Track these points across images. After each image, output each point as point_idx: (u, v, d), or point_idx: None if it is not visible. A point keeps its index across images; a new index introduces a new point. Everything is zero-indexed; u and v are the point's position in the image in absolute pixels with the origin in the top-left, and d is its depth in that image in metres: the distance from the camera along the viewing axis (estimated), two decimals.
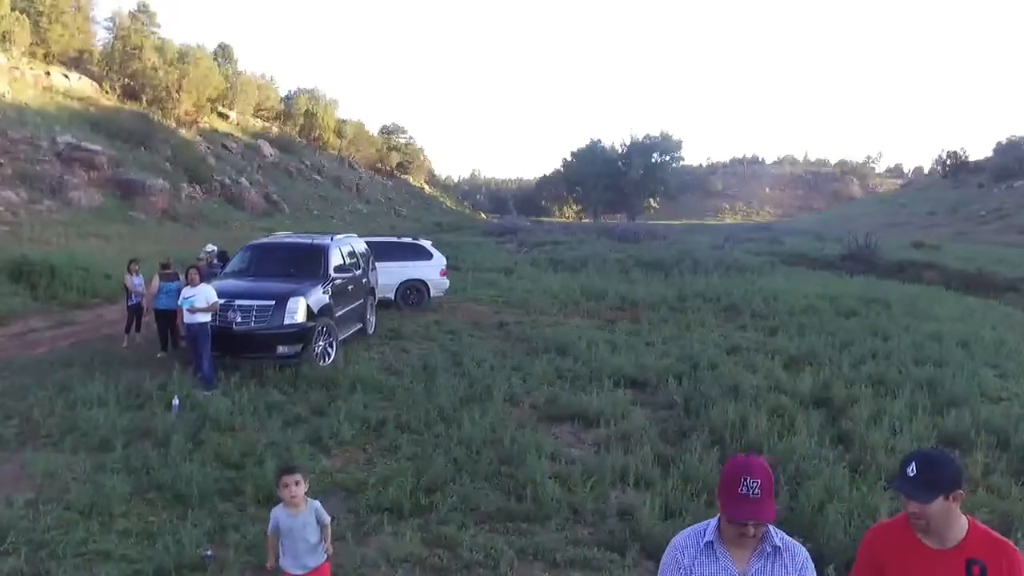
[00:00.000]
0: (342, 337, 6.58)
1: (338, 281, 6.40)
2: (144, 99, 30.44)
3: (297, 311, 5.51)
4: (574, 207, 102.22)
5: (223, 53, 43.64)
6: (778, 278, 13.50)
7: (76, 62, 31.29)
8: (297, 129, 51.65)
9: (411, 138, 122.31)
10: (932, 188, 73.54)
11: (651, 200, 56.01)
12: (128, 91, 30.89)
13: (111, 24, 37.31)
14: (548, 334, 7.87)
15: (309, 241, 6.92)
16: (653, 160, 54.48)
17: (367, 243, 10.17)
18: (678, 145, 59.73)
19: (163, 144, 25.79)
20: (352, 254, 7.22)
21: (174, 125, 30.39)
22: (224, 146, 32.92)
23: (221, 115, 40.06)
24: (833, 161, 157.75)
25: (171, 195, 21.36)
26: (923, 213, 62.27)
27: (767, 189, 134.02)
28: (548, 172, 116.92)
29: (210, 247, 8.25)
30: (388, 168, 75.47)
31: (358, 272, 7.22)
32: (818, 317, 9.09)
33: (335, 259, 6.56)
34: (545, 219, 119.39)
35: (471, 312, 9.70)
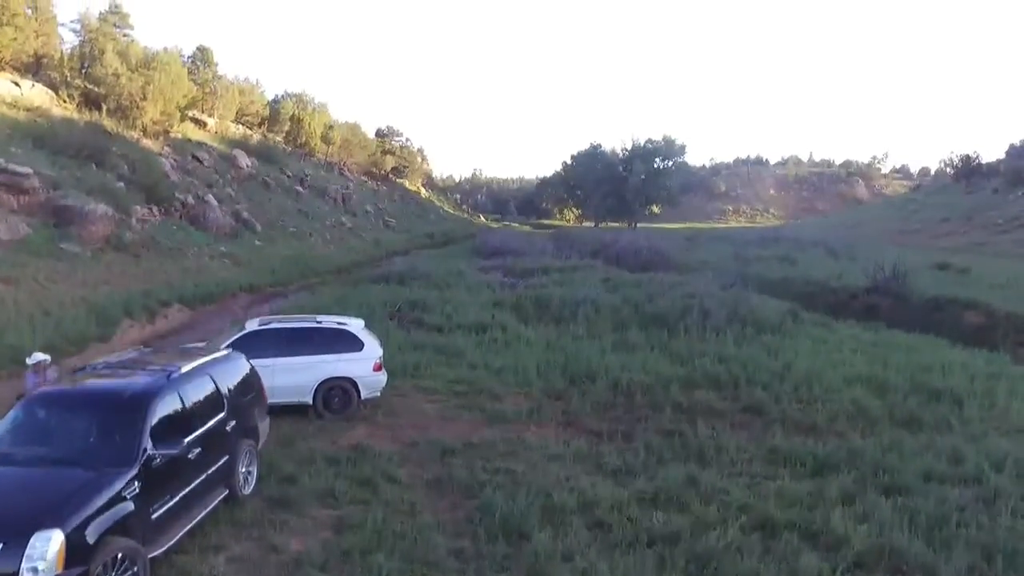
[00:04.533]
0: (188, 527, 4.33)
1: (159, 460, 4.04)
2: (105, 108, 28.21)
3: (45, 557, 3.17)
4: (575, 211, 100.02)
5: (202, 56, 41.47)
6: (805, 341, 11.20)
7: (35, 67, 29.10)
8: (283, 135, 49.48)
9: (407, 140, 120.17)
10: (944, 192, 71.18)
11: (653, 207, 53.64)
12: (89, 99, 28.66)
13: (78, 26, 35.25)
14: (506, 479, 5.63)
15: (123, 388, 4.44)
16: (655, 165, 52.09)
17: (274, 330, 7.84)
18: (681, 150, 57.33)
19: (119, 160, 23.53)
20: (211, 391, 4.88)
21: (138, 136, 28.14)
22: (195, 157, 30.67)
23: (198, 122, 37.84)
24: (838, 162, 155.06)
25: (117, 221, 19.09)
26: (936, 220, 60.02)
27: (771, 191, 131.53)
28: (548, 174, 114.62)
29: (38, 356, 5.96)
30: (383, 172, 73.43)
31: (219, 417, 4.91)
32: (873, 430, 6.84)
33: (162, 417, 4.21)
34: (545, 222, 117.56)
35: (413, 421, 7.43)
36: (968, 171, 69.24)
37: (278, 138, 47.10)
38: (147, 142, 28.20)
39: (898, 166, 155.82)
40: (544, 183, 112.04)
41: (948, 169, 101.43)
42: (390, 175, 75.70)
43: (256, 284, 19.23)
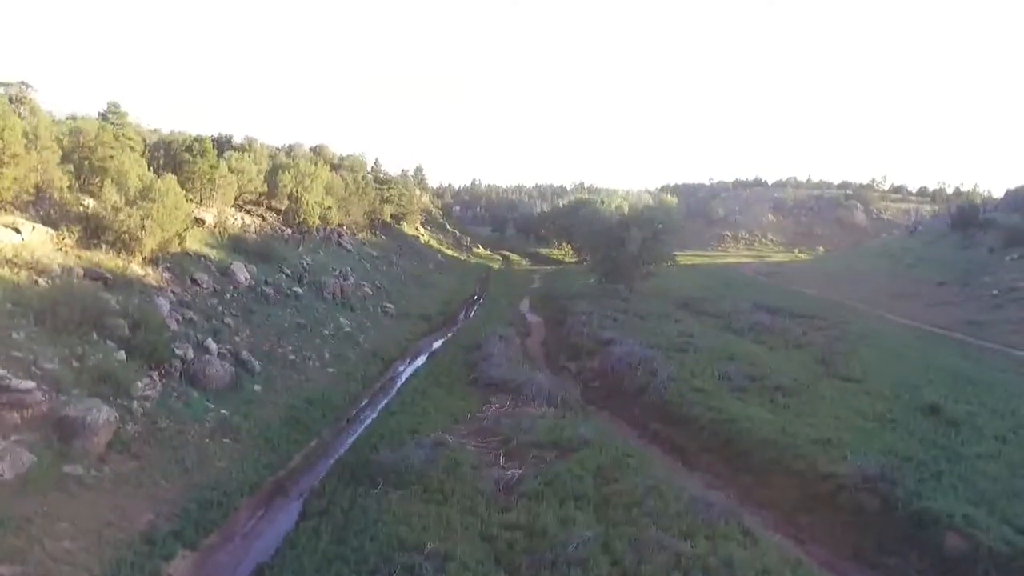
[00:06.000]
0: None
1: None
2: (105, 243, 28.59)
3: None
4: (572, 246, 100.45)
5: (199, 148, 41.80)
6: None
7: (34, 201, 29.45)
8: (282, 213, 49.92)
9: (404, 171, 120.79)
10: (942, 242, 71.69)
11: (650, 267, 54.35)
12: (89, 230, 29.00)
13: (76, 133, 35.61)
14: None
15: None
16: (656, 229, 53.01)
17: None
18: (678, 212, 58.23)
19: (119, 320, 23.83)
20: None
21: (140, 274, 28.52)
22: (194, 280, 31.03)
23: (197, 220, 38.25)
24: (836, 181, 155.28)
25: (118, 419, 19.42)
26: (932, 282, 60.56)
27: (770, 216, 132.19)
28: (547, 209, 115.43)
29: None
30: (381, 221, 74.14)
31: None
32: None
33: None
34: (543, 252, 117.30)
35: None
36: (965, 222, 69.81)
37: (275, 220, 47.48)
38: (148, 277, 28.55)
39: (896, 184, 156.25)
40: (543, 216, 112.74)
41: (947, 208, 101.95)
42: (390, 222, 76.26)
43: (256, 480, 19.58)
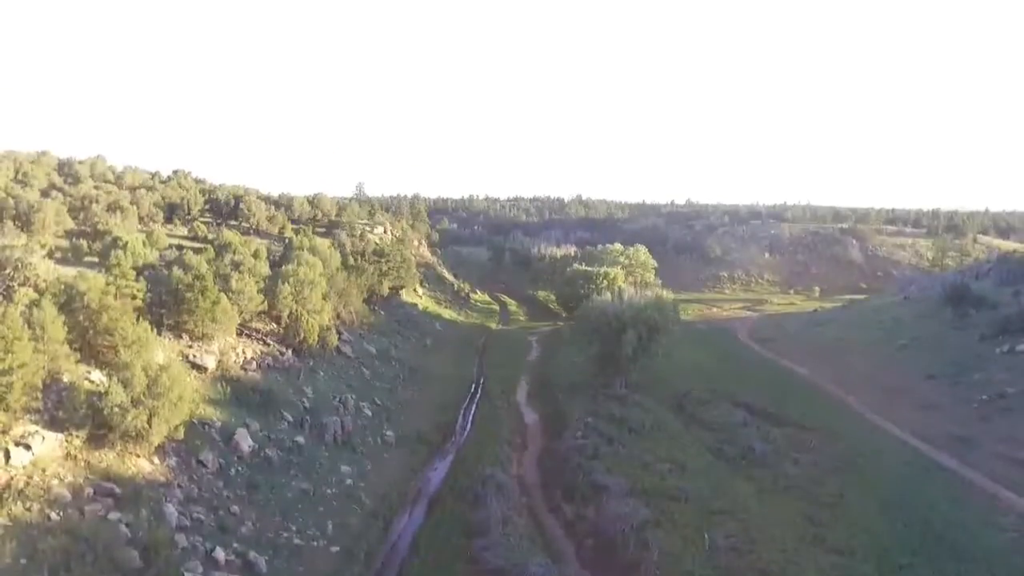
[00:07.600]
0: None
1: None
2: (110, 441, 29.43)
3: None
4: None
5: (200, 286, 42.52)
6: None
7: (42, 391, 30.13)
8: (282, 325, 50.72)
9: (400, 200, 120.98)
10: (932, 320, 72.64)
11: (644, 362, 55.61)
12: (96, 423, 29.79)
13: (80, 296, 36.24)
14: None
15: None
16: (650, 327, 54.32)
17: None
18: (674, 308, 59.44)
19: (130, 552, 24.63)
20: None
21: (145, 467, 29.41)
22: (200, 462, 31.89)
23: (197, 368, 39.18)
24: (832, 206, 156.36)
25: None
26: (922, 374, 61.46)
27: (766, 255, 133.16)
28: (546, 252, 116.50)
29: None
30: (380, 297, 75.07)
31: None
32: None
33: None
34: (540, 294, 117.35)
35: None
36: (958, 298, 70.83)
37: (276, 340, 48.30)
38: (155, 473, 29.41)
39: (890, 208, 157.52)
40: (542, 264, 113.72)
41: (939, 253, 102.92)
42: (389, 294, 77.16)
43: None
